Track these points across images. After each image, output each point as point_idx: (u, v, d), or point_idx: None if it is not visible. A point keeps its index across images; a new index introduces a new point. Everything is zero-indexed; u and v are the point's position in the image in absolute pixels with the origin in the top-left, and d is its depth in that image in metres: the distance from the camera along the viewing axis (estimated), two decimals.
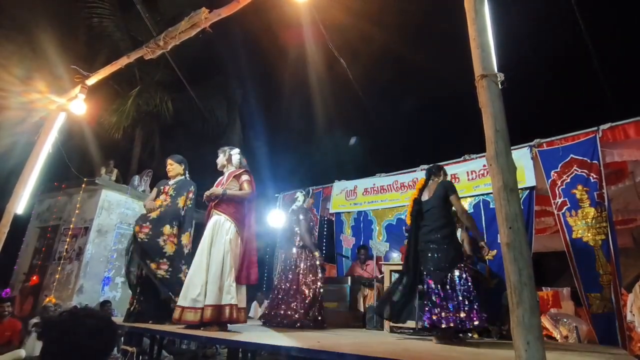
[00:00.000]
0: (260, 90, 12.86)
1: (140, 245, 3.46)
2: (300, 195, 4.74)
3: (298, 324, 3.90)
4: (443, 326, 2.87)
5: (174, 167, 3.90)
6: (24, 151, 4.58)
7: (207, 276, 3.06)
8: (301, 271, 4.23)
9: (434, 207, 3.24)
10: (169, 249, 3.51)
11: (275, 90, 13.02)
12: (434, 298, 2.98)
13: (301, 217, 4.43)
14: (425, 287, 3.11)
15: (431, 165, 3.70)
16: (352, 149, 12.93)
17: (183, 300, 3.06)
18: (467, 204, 5.08)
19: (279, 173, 11.56)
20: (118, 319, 3.63)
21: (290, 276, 4.23)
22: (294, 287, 4.16)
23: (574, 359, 2.41)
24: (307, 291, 4.13)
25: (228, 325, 3.08)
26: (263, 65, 12.25)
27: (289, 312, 4.00)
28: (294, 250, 4.36)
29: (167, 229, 3.54)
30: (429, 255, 3.11)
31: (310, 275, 4.23)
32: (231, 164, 3.56)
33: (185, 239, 3.65)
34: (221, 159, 3.58)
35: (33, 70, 6.71)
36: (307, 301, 4.06)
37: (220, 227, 3.22)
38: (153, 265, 3.43)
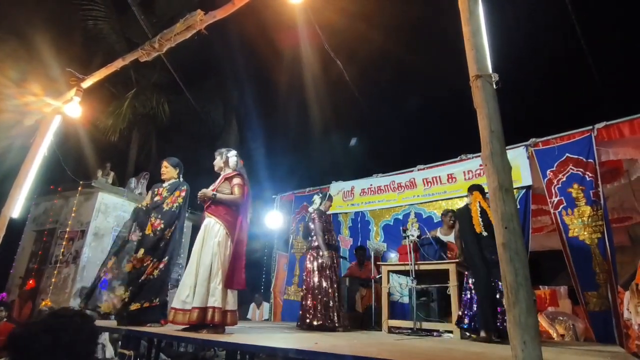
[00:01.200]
0: (257, 92, 12.83)
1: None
2: (316, 198, 4.79)
3: (334, 326, 3.93)
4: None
5: (169, 170, 3.89)
6: (19, 154, 4.55)
7: (196, 278, 3.06)
8: (325, 272, 4.22)
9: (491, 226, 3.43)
10: (147, 229, 3.66)
11: (271, 92, 13.00)
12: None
13: (315, 217, 4.46)
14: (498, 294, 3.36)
15: (482, 185, 3.93)
16: (348, 150, 12.94)
17: (176, 302, 3.09)
18: (463, 204, 5.09)
19: (276, 174, 11.55)
20: (113, 322, 3.61)
21: (316, 278, 4.21)
22: (323, 289, 4.15)
23: (571, 358, 2.42)
24: (333, 293, 4.13)
25: (225, 327, 3.07)
26: (259, 67, 12.23)
27: (327, 315, 3.99)
28: (310, 251, 4.39)
29: (150, 219, 3.67)
30: (497, 268, 3.29)
31: (334, 276, 4.25)
32: (228, 166, 3.52)
33: (167, 233, 3.65)
34: (218, 161, 3.55)
35: (28, 72, 6.69)
36: (336, 303, 4.10)
37: (210, 229, 3.21)
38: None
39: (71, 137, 8.68)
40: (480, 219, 3.54)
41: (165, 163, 3.92)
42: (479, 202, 3.62)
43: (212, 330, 2.95)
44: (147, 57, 3.72)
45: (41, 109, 4.34)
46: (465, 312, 3.57)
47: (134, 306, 3.42)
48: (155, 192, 3.84)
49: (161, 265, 3.56)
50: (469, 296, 3.60)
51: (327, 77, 9.53)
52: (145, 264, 3.50)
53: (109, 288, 3.48)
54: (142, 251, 3.54)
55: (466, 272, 3.75)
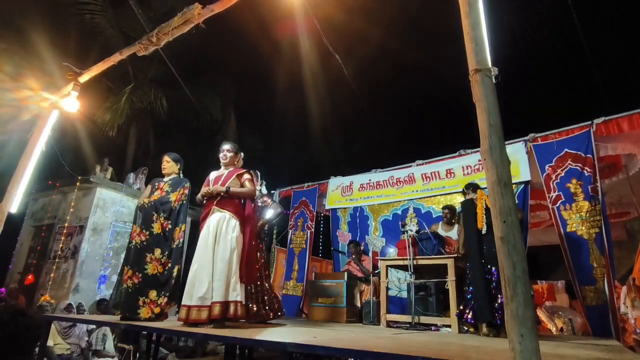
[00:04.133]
0: (255, 86, 12.81)
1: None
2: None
3: (269, 319, 3.83)
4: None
5: (170, 165, 3.85)
6: (16, 149, 4.54)
7: (213, 273, 3.04)
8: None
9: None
10: (156, 228, 3.55)
11: (270, 86, 12.98)
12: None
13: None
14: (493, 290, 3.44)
15: (476, 183, 4.07)
16: (347, 145, 12.94)
17: (188, 299, 3.02)
18: (463, 199, 5.11)
19: (275, 170, 11.57)
20: (113, 317, 3.61)
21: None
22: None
23: (568, 351, 2.44)
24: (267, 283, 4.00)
25: (227, 321, 3.08)
26: (258, 61, 12.20)
27: (261, 308, 3.83)
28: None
29: (154, 216, 3.57)
30: (495, 262, 3.39)
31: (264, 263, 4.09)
32: (237, 164, 3.61)
33: (176, 233, 3.62)
34: (232, 157, 3.55)
35: (24, 67, 6.63)
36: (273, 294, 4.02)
37: (225, 224, 3.19)
38: (147, 258, 3.44)
39: (69, 132, 8.65)
40: (484, 216, 3.60)
41: (166, 158, 3.88)
42: (485, 200, 3.67)
43: (213, 325, 2.96)
44: (144, 52, 3.70)
45: (38, 103, 4.32)
46: (467, 306, 3.60)
47: (170, 307, 3.46)
48: (156, 187, 3.79)
49: (177, 267, 3.56)
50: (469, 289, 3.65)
51: (326, 72, 9.51)
52: (167, 267, 3.48)
53: (132, 291, 3.38)
54: (158, 251, 3.48)
55: (467, 266, 3.76)
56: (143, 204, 3.63)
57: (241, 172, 3.47)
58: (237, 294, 3.02)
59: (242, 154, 3.67)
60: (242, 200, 3.45)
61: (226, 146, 3.58)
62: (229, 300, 3.00)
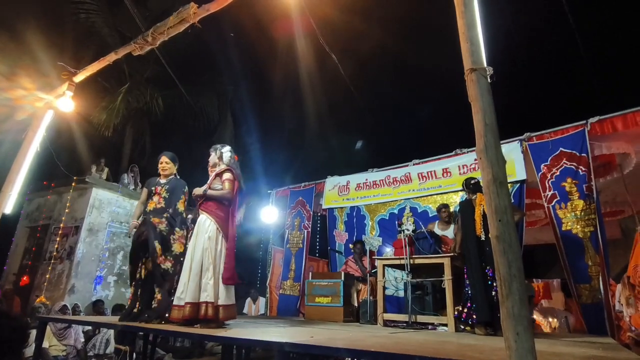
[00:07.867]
0: (252, 86, 12.79)
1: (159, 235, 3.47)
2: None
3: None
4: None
5: (170, 167, 3.76)
6: (11, 149, 4.51)
7: (190, 274, 3.11)
8: None
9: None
10: (177, 248, 3.55)
11: (267, 86, 12.97)
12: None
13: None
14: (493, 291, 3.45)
15: (478, 182, 3.94)
16: (344, 145, 12.95)
17: (175, 298, 3.15)
18: (459, 198, 5.13)
19: (272, 169, 11.56)
20: (111, 317, 3.59)
21: None
22: None
23: (564, 349, 2.45)
24: None
25: (198, 322, 3.07)
26: (254, 61, 12.19)
27: None
28: None
29: (175, 234, 3.57)
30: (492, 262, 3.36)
31: None
32: (222, 162, 3.51)
33: (182, 239, 3.65)
34: (213, 157, 3.53)
35: (19, 67, 6.57)
36: None
37: (201, 226, 3.25)
38: (161, 259, 3.43)
39: (64, 133, 8.60)
40: (482, 222, 3.60)
41: (165, 159, 3.77)
42: (483, 206, 3.64)
43: (205, 325, 2.97)
44: (140, 51, 3.69)
45: (33, 103, 4.30)
46: (465, 305, 3.62)
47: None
48: (153, 191, 3.67)
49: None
50: (468, 291, 3.66)
51: (323, 72, 9.51)
52: (174, 265, 3.49)
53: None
54: (164, 253, 3.49)
55: (465, 267, 3.77)
56: (160, 227, 3.52)
57: (222, 171, 3.42)
58: (207, 294, 3.03)
59: (222, 151, 3.53)
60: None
61: (210, 150, 3.60)
62: (199, 302, 3.04)
